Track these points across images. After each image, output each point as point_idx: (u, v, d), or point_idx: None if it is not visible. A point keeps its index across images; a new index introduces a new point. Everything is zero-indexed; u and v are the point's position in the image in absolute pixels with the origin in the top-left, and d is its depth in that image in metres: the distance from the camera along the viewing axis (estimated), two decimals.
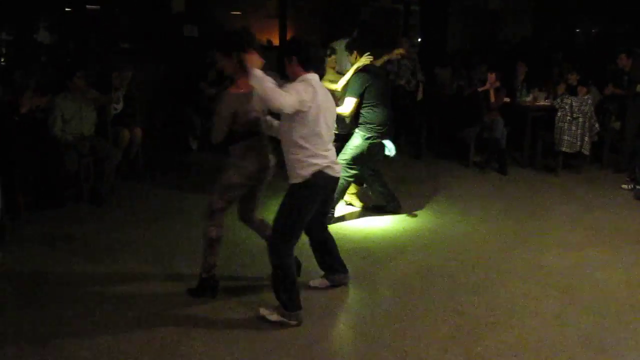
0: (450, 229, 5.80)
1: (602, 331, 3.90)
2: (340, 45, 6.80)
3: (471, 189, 7.21)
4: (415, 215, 6.11)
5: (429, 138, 9.16)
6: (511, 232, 5.72)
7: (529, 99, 8.51)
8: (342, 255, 4.46)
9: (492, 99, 7.85)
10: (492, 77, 7.95)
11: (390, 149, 5.79)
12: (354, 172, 5.71)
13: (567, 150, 7.60)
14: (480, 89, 7.99)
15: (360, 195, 6.37)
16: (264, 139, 4.16)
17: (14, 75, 6.77)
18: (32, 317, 3.96)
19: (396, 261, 4.98)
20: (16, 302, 4.18)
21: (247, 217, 4.39)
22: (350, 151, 5.64)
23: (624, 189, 7.13)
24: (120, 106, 7.15)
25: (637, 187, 6.95)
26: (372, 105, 5.57)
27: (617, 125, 8.33)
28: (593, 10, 13.09)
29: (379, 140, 5.68)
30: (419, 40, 13.47)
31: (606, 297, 4.38)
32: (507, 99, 8.20)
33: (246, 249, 5.16)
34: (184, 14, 9.47)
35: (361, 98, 5.55)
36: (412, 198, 6.63)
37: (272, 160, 4.20)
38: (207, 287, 4.25)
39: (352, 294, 4.40)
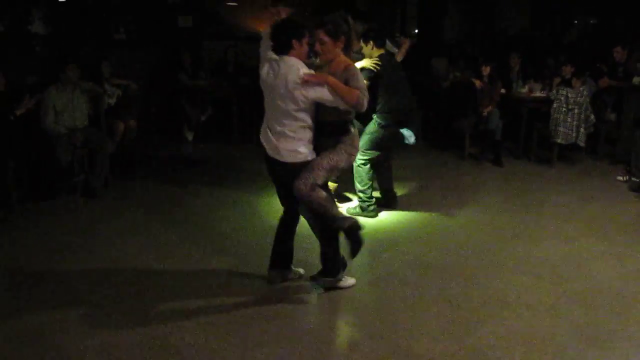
0: (444, 221, 5.79)
1: (595, 322, 3.89)
2: None
3: (466, 181, 7.19)
4: (409, 207, 6.11)
5: (424, 129, 9.14)
6: (505, 223, 5.71)
7: (524, 90, 8.48)
8: None
9: (477, 84, 7.86)
10: (486, 69, 7.92)
11: (408, 137, 5.79)
12: (367, 157, 5.72)
13: (563, 141, 7.59)
14: (477, 86, 7.95)
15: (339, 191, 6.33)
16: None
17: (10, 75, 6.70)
18: (23, 309, 3.95)
19: (389, 253, 4.96)
20: (9, 294, 4.17)
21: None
22: (365, 137, 5.67)
23: (620, 180, 7.12)
24: (114, 100, 7.14)
25: (633, 178, 6.95)
26: (387, 94, 5.55)
27: (612, 117, 8.31)
28: (590, 1, 13.05)
29: (393, 128, 5.70)
30: (416, 31, 13.43)
31: (599, 289, 4.38)
32: (503, 91, 8.18)
33: (241, 240, 5.15)
34: (179, 4, 9.42)
35: (375, 87, 5.50)
36: (406, 189, 6.63)
37: None
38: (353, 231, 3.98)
39: (342, 285, 4.38)
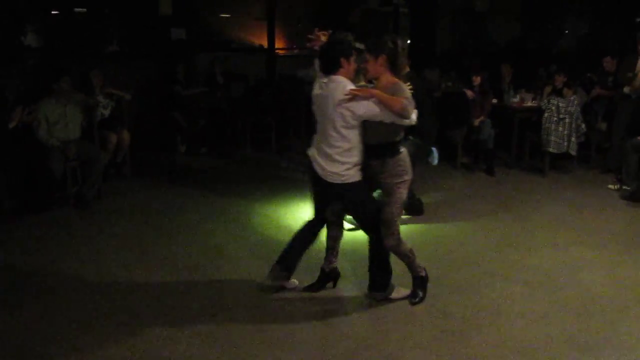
0: (436, 230, 5.80)
1: (587, 331, 3.91)
2: None
3: (458, 190, 7.22)
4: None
5: None
6: (498, 232, 5.73)
7: (516, 100, 8.54)
8: None
9: (469, 94, 7.89)
10: (476, 79, 7.97)
11: (434, 157, 5.76)
12: None
13: (554, 150, 7.63)
14: (469, 96, 7.99)
15: None
16: None
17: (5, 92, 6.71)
18: (16, 320, 3.94)
19: None
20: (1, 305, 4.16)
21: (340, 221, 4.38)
22: None
23: (611, 189, 7.16)
24: (107, 111, 7.15)
25: (624, 187, 6.99)
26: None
27: (603, 126, 8.38)
28: (581, 12, 13.15)
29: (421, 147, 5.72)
30: (408, 42, 13.48)
31: (591, 297, 4.39)
32: (494, 100, 8.24)
33: (233, 252, 5.15)
34: (172, 16, 9.45)
35: None
36: None
37: None
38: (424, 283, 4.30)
39: (336, 296, 4.39)
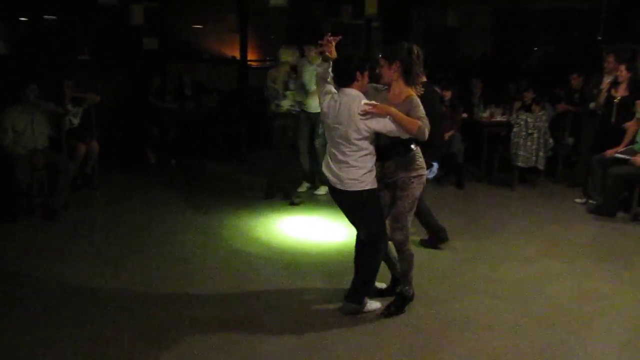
0: None
1: (555, 343, 3.95)
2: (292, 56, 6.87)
3: (428, 203, 7.23)
4: None
5: None
6: (467, 245, 5.77)
7: (485, 114, 8.65)
8: (298, 269, 4.43)
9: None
10: (447, 94, 8.05)
11: (434, 171, 5.75)
12: None
13: (523, 165, 7.74)
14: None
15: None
16: None
17: None
18: None
19: (351, 276, 4.93)
20: None
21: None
22: None
23: (578, 202, 7.28)
24: (77, 120, 7.06)
25: (590, 201, 7.11)
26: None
27: (570, 141, 8.52)
28: (549, 29, 13.42)
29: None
30: (380, 56, 13.56)
31: (559, 309, 4.45)
32: (464, 115, 8.34)
33: (201, 264, 5.10)
34: (144, 26, 9.39)
35: None
36: None
37: None
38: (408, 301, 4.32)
39: (307, 308, 4.38)
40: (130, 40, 9.53)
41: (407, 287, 4.30)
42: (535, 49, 14.73)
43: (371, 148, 3.96)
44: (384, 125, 3.85)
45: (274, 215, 6.48)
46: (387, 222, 4.15)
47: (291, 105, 6.81)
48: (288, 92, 6.77)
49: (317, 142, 7.04)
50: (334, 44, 4.16)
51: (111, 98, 8.98)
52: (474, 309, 4.38)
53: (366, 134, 3.88)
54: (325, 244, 5.70)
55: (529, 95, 8.16)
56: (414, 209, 4.19)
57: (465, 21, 12.77)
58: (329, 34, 4.18)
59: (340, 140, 3.95)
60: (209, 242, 5.67)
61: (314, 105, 6.65)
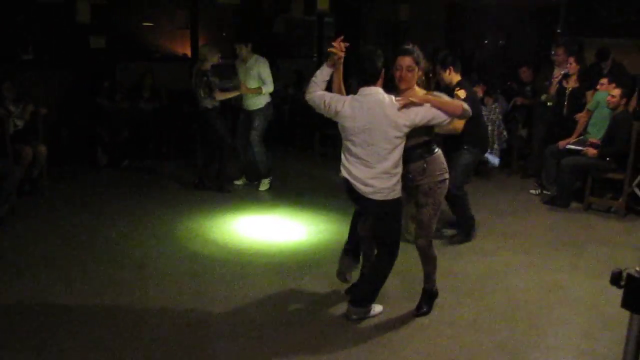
0: None
1: (516, 336, 3.96)
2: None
3: None
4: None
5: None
6: None
7: None
8: (256, 270, 4.33)
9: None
10: None
11: (493, 161, 5.79)
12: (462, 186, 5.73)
13: None
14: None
15: None
16: None
17: None
18: None
19: (310, 276, 4.88)
20: None
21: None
22: (460, 169, 5.53)
23: (532, 194, 7.37)
24: (22, 122, 6.78)
25: (544, 191, 7.21)
26: (474, 123, 5.20)
27: (523, 132, 8.64)
28: (498, 23, 13.58)
29: (481, 155, 5.91)
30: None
31: (518, 302, 4.47)
32: None
33: (154, 268, 4.96)
34: (90, 24, 9.09)
35: None
36: (324, 209, 6.57)
37: None
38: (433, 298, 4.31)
39: (262, 310, 4.28)
40: (77, 39, 9.21)
41: (433, 286, 4.28)
42: (486, 41, 14.92)
43: (402, 153, 3.83)
44: (426, 113, 3.73)
45: (228, 216, 6.36)
46: (412, 227, 4.14)
47: (213, 104, 7.08)
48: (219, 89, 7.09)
49: (252, 135, 7.23)
50: (344, 49, 4.05)
51: (59, 98, 8.69)
52: (435, 305, 4.34)
53: (405, 130, 3.73)
54: (281, 244, 5.62)
55: (480, 89, 8.22)
56: (439, 214, 4.14)
57: (417, 16, 12.81)
58: (340, 39, 4.06)
59: (374, 142, 3.76)
60: (164, 246, 5.51)
61: (250, 102, 7.21)
